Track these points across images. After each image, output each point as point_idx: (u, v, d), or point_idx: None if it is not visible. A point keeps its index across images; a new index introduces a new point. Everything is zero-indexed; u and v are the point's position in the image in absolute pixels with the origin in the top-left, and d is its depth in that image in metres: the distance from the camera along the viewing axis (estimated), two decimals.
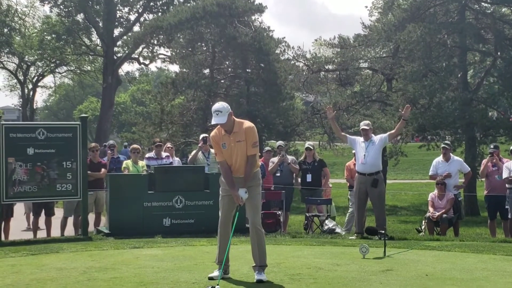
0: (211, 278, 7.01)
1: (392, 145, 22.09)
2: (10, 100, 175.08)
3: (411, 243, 10.62)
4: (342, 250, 9.73)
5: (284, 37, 26.67)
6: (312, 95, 30.93)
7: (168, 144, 15.11)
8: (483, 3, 23.79)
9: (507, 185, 12.48)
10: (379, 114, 22.83)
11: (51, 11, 42.95)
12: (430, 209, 12.77)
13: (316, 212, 14.22)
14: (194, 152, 14.35)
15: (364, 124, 11.77)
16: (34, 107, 55.43)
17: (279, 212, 13.61)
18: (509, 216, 12.58)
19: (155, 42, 34.41)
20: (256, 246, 7.13)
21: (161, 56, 41.17)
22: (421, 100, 21.50)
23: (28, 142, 11.17)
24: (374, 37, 23.81)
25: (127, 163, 13.51)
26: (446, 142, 14.81)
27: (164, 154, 13.68)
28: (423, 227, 13.08)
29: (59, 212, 13.60)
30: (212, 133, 7.41)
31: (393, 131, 12.20)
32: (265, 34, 25.89)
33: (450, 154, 13.54)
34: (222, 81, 27.75)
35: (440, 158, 13.43)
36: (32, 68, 49.01)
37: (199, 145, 14.03)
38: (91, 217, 13.02)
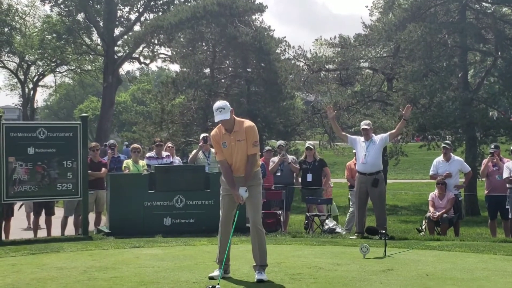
0: (211, 278, 7.01)
1: (392, 144, 22.07)
2: (11, 99, 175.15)
3: (412, 243, 10.62)
4: (342, 249, 9.73)
5: (285, 37, 26.67)
6: (313, 95, 30.91)
7: (169, 144, 15.11)
8: (483, 3, 23.77)
9: (507, 185, 12.47)
10: (380, 114, 22.81)
11: (51, 11, 43.02)
12: (431, 209, 12.77)
13: (316, 212, 14.22)
14: (194, 151, 14.36)
15: (364, 124, 11.78)
16: (35, 107, 55.42)
17: (280, 212, 13.61)
18: (510, 216, 12.58)
19: (156, 41, 34.43)
20: (256, 245, 7.14)
21: (161, 55, 41.26)
22: (422, 100, 21.48)
23: (29, 142, 11.17)
24: (374, 36, 23.79)
25: (128, 162, 13.51)
26: (446, 142, 14.80)
27: (164, 153, 13.68)
28: (423, 227, 13.08)
29: (59, 212, 13.60)
30: (213, 132, 7.41)
31: (393, 130, 12.21)
32: (266, 34, 25.87)
33: (451, 154, 13.53)
34: (223, 80, 27.73)
35: (440, 158, 13.42)
36: (32, 68, 49.03)
37: (200, 144, 14.03)
38: (92, 216, 13.03)
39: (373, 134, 11.81)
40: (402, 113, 11.82)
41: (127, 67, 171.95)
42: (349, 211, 14.28)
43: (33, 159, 11.20)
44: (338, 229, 12.97)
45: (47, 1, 41.27)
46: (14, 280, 7.10)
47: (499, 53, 22.49)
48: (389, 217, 17.04)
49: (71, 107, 75.10)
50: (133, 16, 42.14)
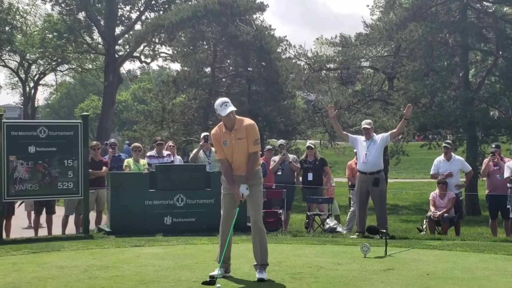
0: (212, 277, 7.01)
1: (393, 144, 22.05)
2: (12, 98, 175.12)
3: (412, 242, 10.62)
4: (343, 249, 9.73)
5: (286, 36, 26.63)
6: (314, 94, 30.88)
7: (170, 143, 15.11)
8: (484, 2, 23.74)
9: (508, 185, 12.46)
10: (381, 113, 22.79)
11: (52, 9, 43.06)
12: (432, 208, 12.77)
13: (317, 211, 14.21)
14: (195, 150, 14.37)
15: (365, 123, 11.78)
16: (36, 105, 55.42)
17: (280, 211, 13.62)
18: (511, 216, 12.58)
19: (157, 40, 34.40)
20: (257, 244, 7.13)
21: (162, 54, 41.21)
22: (423, 99, 21.46)
23: (30, 140, 11.18)
24: (375, 36, 23.76)
25: (129, 161, 13.53)
26: (447, 141, 14.79)
27: (165, 152, 13.69)
28: (424, 226, 13.07)
29: (60, 210, 13.60)
30: (213, 131, 7.41)
31: (394, 130, 12.21)
32: (267, 33, 25.85)
33: (452, 153, 13.52)
34: (224, 79, 27.72)
35: (441, 157, 13.42)
36: (33, 66, 49.06)
37: (200, 143, 14.04)
38: (92, 215, 13.02)
39: (374, 134, 11.81)
40: (403, 112, 11.81)
41: (128, 66, 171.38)
42: (350, 210, 14.27)
43: (34, 157, 11.21)
44: (339, 229, 12.97)
45: (48, 0, 41.33)
46: (15, 279, 7.11)
47: (500, 52, 22.46)
48: (390, 216, 17.02)
49: (72, 106, 75.18)
50: (134, 15, 42.21)
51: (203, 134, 14.26)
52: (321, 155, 15.73)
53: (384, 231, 10.09)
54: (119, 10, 41.36)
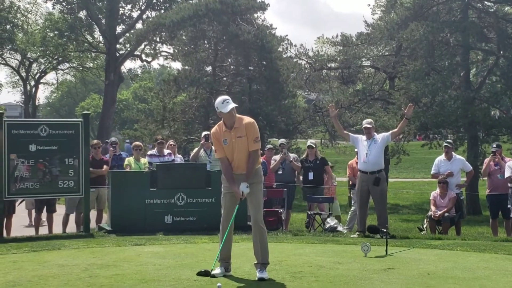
0: (213, 276, 7.02)
1: (394, 143, 22.04)
2: (13, 96, 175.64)
3: (413, 241, 10.63)
4: (343, 248, 9.73)
5: (287, 35, 26.63)
6: (314, 93, 30.88)
7: (171, 142, 15.11)
8: (486, 2, 23.73)
9: (509, 184, 12.45)
10: (382, 113, 22.79)
11: (53, 8, 43.01)
12: (432, 207, 12.77)
13: (318, 210, 14.22)
14: (196, 149, 14.37)
15: (366, 123, 11.78)
16: (36, 104, 55.42)
17: (281, 210, 13.62)
18: (511, 215, 12.57)
19: (158, 39, 34.32)
20: (258, 243, 7.13)
21: (163, 53, 41.20)
22: (424, 99, 21.46)
23: (30, 139, 11.17)
24: (376, 35, 23.75)
25: (129, 160, 13.53)
26: (448, 140, 14.78)
27: (166, 151, 13.69)
28: (425, 225, 13.07)
29: (61, 209, 13.61)
30: (213, 130, 7.40)
31: (395, 129, 12.21)
32: (268, 32, 25.86)
33: (452, 153, 13.51)
34: (224, 78, 27.70)
35: (442, 156, 13.41)
36: (34, 65, 49.04)
37: (201, 142, 14.04)
38: (93, 214, 13.02)
39: (375, 133, 11.81)
40: (404, 112, 11.81)
41: (129, 64, 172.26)
42: (351, 209, 14.28)
43: (34, 156, 11.20)
44: (340, 228, 12.97)
45: None
46: (15, 277, 7.11)
47: (501, 52, 22.45)
48: (391, 216, 17.02)
49: (73, 104, 75.17)
50: (135, 14, 42.20)
51: (203, 133, 14.25)
52: (321, 155, 15.74)
53: (385, 230, 10.08)
54: (120, 8, 41.38)
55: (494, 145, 13.91)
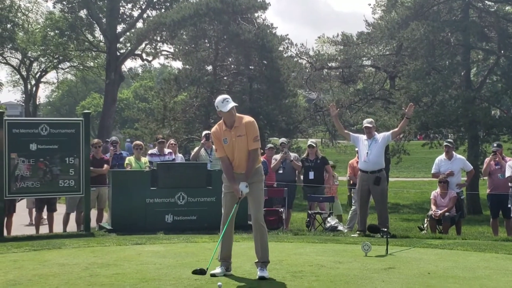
0: (213, 275, 7.02)
1: (394, 143, 22.06)
2: (13, 95, 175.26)
3: (413, 241, 10.63)
4: (344, 247, 9.73)
5: (287, 34, 26.67)
6: (315, 93, 30.88)
7: (172, 141, 15.11)
8: (486, 1, 23.73)
9: (509, 184, 12.45)
10: (382, 112, 22.83)
11: (54, 7, 42.97)
12: (433, 207, 12.77)
13: (318, 210, 14.21)
14: (196, 148, 14.36)
15: (367, 122, 11.78)
16: (37, 103, 55.46)
17: (282, 209, 13.61)
18: None
19: (158, 38, 34.33)
20: (258, 242, 7.13)
21: (164, 52, 41.22)
22: (424, 98, 21.47)
23: (31, 138, 11.17)
24: (377, 34, 23.76)
25: (130, 159, 13.52)
26: (448, 140, 14.78)
27: (166, 150, 13.69)
28: (425, 225, 13.07)
29: (61, 208, 13.61)
30: (213, 129, 7.40)
31: (396, 129, 12.22)
32: (268, 31, 25.88)
33: (453, 152, 13.51)
34: (225, 78, 27.71)
35: (442, 156, 13.41)
36: (35, 64, 49.07)
37: (202, 141, 14.03)
38: (94, 213, 13.02)
39: (375, 132, 11.81)
40: (404, 111, 11.81)
41: (129, 64, 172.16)
42: (351, 209, 14.28)
43: (35, 155, 11.20)
44: (340, 227, 12.96)
45: None
46: (16, 276, 7.11)
47: (502, 51, 22.46)
48: (391, 215, 17.02)
49: (74, 103, 75.21)
50: (135, 13, 42.17)
51: (204, 132, 14.25)
52: (322, 154, 15.74)
53: (385, 230, 10.08)
54: (121, 8, 41.36)
55: (495, 145, 13.91)
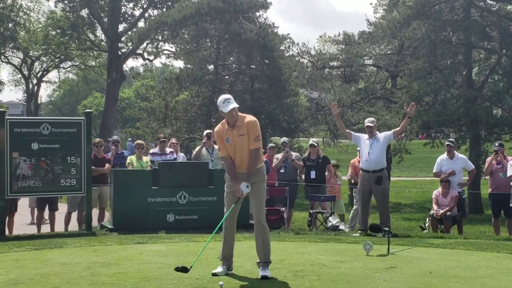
0: (214, 274, 7.01)
1: (396, 142, 22.06)
2: (15, 95, 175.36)
3: (415, 240, 10.62)
4: (345, 247, 9.72)
5: (289, 34, 26.74)
6: (317, 92, 30.91)
7: (173, 140, 15.09)
8: (488, 1, 23.73)
9: (511, 183, 12.44)
10: (384, 111, 22.82)
11: (55, 6, 43.02)
12: (434, 206, 12.76)
13: (320, 209, 14.20)
14: (198, 148, 14.35)
15: (368, 121, 11.77)
16: (39, 102, 55.51)
17: (283, 209, 13.60)
18: None
19: (160, 37, 34.38)
20: (260, 242, 7.12)
21: (165, 52, 41.28)
22: (426, 98, 21.47)
23: (33, 137, 11.17)
24: (379, 34, 23.77)
25: (131, 158, 13.52)
26: (450, 139, 14.77)
27: (168, 150, 13.69)
28: (427, 224, 13.06)
29: (63, 207, 13.62)
30: (216, 128, 7.39)
31: (397, 128, 12.20)
32: (270, 31, 25.90)
33: (455, 151, 13.50)
34: (227, 77, 27.74)
35: (444, 155, 13.40)
36: (36, 63, 49.11)
37: (203, 141, 14.02)
38: (95, 212, 13.03)
39: (377, 132, 11.80)
40: (406, 110, 11.79)
41: (131, 63, 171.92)
42: (353, 208, 14.27)
43: (37, 154, 11.21)
44: (342, 227, 12.95)
45: None
46: (18, 275, 7.11)
47: (504, 51, 22.45)
48: (393, 214, 17.03)
49: (75, 103, 75.27)
50: (137, 12, 42.19)
51: (206, 132, 14.24)
52: (323, 153, 15.73)
53: (387, 229, 10.08)
54: (122, 7, 41.37)
55: (497, 144, 13.89)
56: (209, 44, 27.90)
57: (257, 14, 27.07)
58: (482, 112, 20.88)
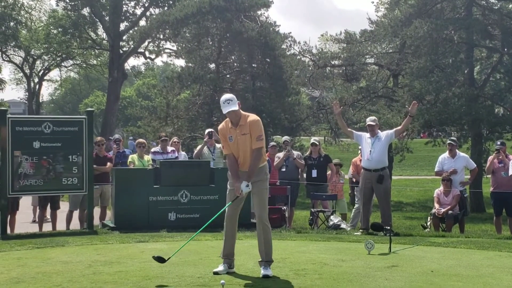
0: (216, 273, 7.01)
1: (398, 141, 22.06)
2: (16, 93, 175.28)
3: (417, 239, 10.61)
4: (347, 245, 9.72)
5: (290, 32, 26.68)
6: (318, 91, 30.91)
7: (175, 139, 15.11)
8: None
9: None
10: (385, 110, 22.81)
11: (57, 5, 43.01)
12: (436, 205, 12.75)
13: (321, 208, 14.21)
14: (199, 146, 14.36)
15: (370, 120, 11.76)
16: (40, 101, 55.60)
17: (285, 208, 13.61)
18: None
19: (161, 36, 34.36)
20: (262, 241, 7.12)
21: (167, 50, 41.22)
22: (428, 96, 21.46)
23: (34, 136, 11.19)
24: (380, 32, 23.75)
25: (133, 157, 13.53)
26: (452, 138, 14.78)
27: (169, 148, 13.69)
28: (428, 223, 13.06)
29: (64, 206, 13.63)
30: (220, 126, 7.40)
31: (399, 127, 12.20)
32: (271, 29, 25.88)
33: (456, 150, 13.50)
34: (228, 75, 27.73)
35: (446, 154, 13.40)
36: (38, 62, 49.16)
37: (205, 139, 14.03)
38: (97, 211, 13.05)
39: (378, 131, 11.79)
40: (408, 109, 11.80)
41: (132, 61, 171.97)
42: (355, 207, 14.27)
43: (38, 153, 11.22)
44: (343, 225, 12.95)
45: None
46: (19, 273, 7.12)
47: (506, 49, 22.45)
48: (394, 213, 17.02)
49: (77, 101, 75.29)
50: (138, 11, 42.14)
51: (207, 130, 14.25)
52: (325, 152, 15.73)
53: (388, 228, 10.08)
54: (124, 6, 41.32)
55: (498, 143, 13.88)
56: (211, 42, 27.88)
57: (259, 12, 27.07)
58: (484, 110, 20.87)
